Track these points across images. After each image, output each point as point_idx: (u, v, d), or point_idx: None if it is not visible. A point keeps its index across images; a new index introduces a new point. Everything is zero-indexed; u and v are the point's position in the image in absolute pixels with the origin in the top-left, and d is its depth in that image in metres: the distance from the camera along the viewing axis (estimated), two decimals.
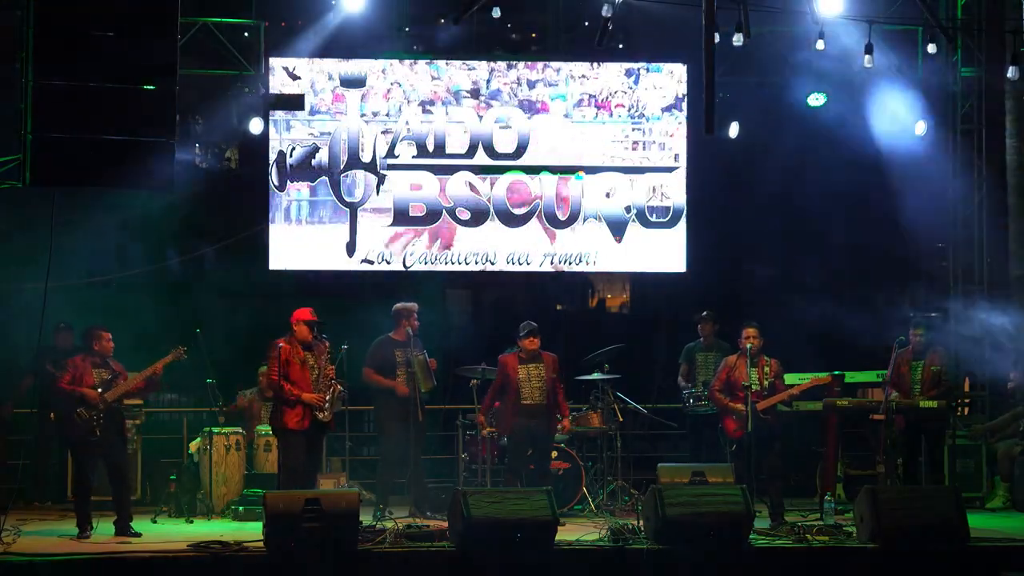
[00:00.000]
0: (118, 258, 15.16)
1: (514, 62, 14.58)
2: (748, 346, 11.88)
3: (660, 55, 14.72)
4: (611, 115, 14.55)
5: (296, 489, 10.64)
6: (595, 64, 14.58)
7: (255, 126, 14.06)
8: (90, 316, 12.38)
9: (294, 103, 14.02)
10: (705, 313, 13.59)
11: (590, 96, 14.59)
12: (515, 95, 14.49)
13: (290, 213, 14.29)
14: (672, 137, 14.64)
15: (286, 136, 14.22)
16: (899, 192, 15.00)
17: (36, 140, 10.47)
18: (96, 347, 11.28)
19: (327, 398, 11.20)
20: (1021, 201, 15.22)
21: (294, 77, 14.10)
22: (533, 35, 14.85)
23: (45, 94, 10.47)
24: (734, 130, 14.71)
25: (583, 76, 14.61)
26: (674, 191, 14.65)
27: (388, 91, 14.35)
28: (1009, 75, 14.20)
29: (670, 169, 14.64)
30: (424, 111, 14.40)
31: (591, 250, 14.61)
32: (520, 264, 14.62)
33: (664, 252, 14.67)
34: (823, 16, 13.53)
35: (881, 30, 14.25)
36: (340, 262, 14.37)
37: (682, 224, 14.65)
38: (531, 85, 14.52)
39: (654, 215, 14.64)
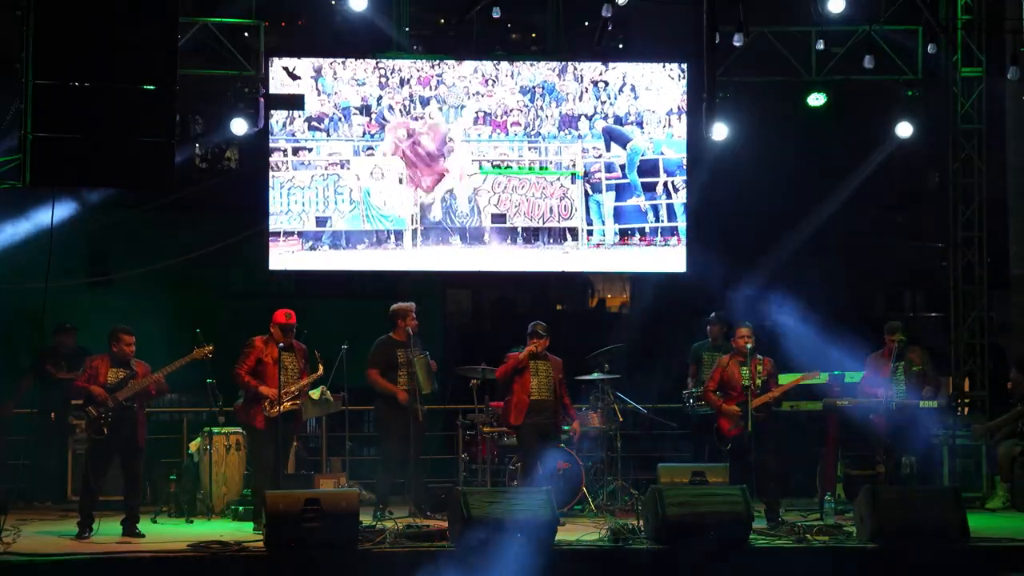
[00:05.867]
0: (117, 258, 15.17)
1: (421, 69, 14.26)
2: (748, 346, 11.89)
3: (660, 55, 14.69)
4: (507, 133, 14.25)
5: (264, 486, 10.85)
6: (489, 82, 14.30)
7: (253, 126, 14.06)
8: (89, 316, 12.39)
9: (294, 103, 14.00)
10: (714, 315, 13.55)
11: (486, 114, 14.33)
12: (407, 112, 14.16)
13: (290, 213, 14.23)
14: (672, 137, 14.59)
15: (286, 136, 14.18)
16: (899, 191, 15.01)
17: (36, 140, 10.47)
18: (115, 349, 11.26)
19: (284, 402, 11.39)
20: (1021, 201, 15.23)
21: (294, 77, 14.07)
22: (533, 35, 14.84)
23: (45, 94, 10.46)
24: (722, 131, 14.63)
25: (477, 92, 14.27)
26: (674, 191, 14.62)
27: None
28: (1009, 75, 14.21)
29: (670, 173, 14.60)
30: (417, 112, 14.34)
31: (591, 250, 14.57)
32: (520, 264, 14.59)
33: (664, 252, 14.64)
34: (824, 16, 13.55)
35: (881, 30, 14.28)
36: (340, 262, 14.34)
37: (682, 224, 14.62)
38: (424, 102, 14.18)
39: (654, 215, 14.60)
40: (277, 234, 13.93)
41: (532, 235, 14.32)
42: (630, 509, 12.15)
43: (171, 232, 15.74)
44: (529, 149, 14.28)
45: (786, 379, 12.28)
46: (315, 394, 12.42)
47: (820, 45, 14.45)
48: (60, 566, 10.04)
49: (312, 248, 14.01)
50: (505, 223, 14.30)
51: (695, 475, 11.58)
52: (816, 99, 14.65)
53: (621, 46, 14.99)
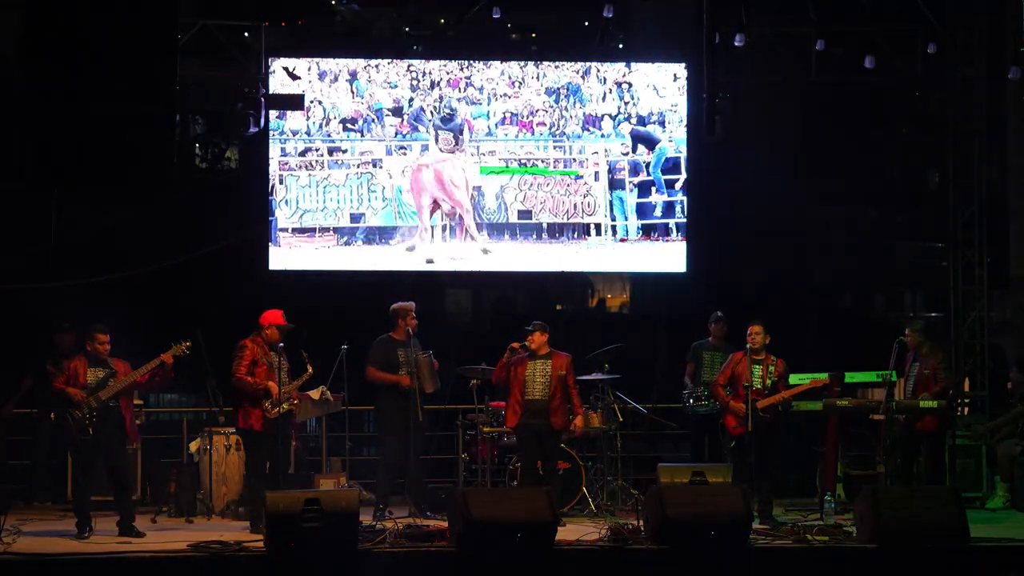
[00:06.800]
0: (118, 258, 15.16)
1: (451, 71, 14.40)
2: (749, 345, 11.92)
3: (660, 55, 14.71)
4: (532, 133, 14.51)
5: (262, 490, 10.77)
6: (515, 84, 14.52)
7: (255, 126, 14.09)
8: (90, 316, 12.38)
9: (294, 103, 14.03)
10: (719, 314, 13.55)
11: (512, 114, 14.54)
12: (437, 113, 14.41)
13: (326, 210, 14.31)
14: (616, 144, 14.63)
15: (322, 136, 14.24)
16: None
17: (35, 140, 10.47)
18: (89, 348, 11.26)
19: (285, 404, 11.37)
20: (1021, 201, 15.24)
21: (294, 77, 14.09)
22: (533, 35, 14.85)
23: (44, 94, 10.46)
24: (721, 131, 14.63)
25: (504, 94, 14.49)
26: (674, 191, 14.63)
27: (324, 99, 14.27)
28: (1009, 75, 14.20)
29: (670, 173, 14.62)
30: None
31: (591, 250, 14.59)
32: (520, 264, 14.61)
33: (664, 252, 14.65)
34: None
35: (882, 30, 14.28)
36: (340, 262, 14.37)
37: (682, 224, 14.64)
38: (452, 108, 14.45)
39: (654, 215, 14.62)
40: (312, 230, 14.26)
41: (557, 231, 14.54)
42: (630, 509, 12.15)
43: (170, 232, 15.71)
44: (554, 148, 14.47)
45: (795, 379, 12.28)
46: (315, 394, 12.43)
47: (820, 45, 14.45)
48: (60, 566, 10.05)
49: (347, 243, 14.31)
50: (531, 219, 14.51)
51: (695, 475, 11.57)
52: None
53: (621, 46, 14.99)
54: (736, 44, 13.55)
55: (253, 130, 14.19)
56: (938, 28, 14.38)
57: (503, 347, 12.32)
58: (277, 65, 14.11)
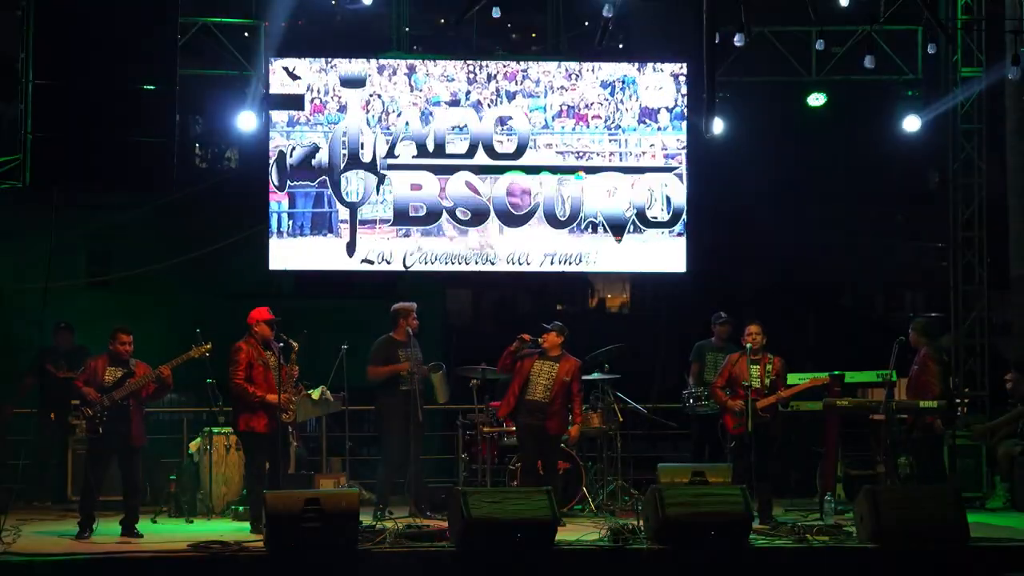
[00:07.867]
0: (118, 258, 15.17)
1: (508, 65, 14.47)
2: (748, 345, 11.93)
3: (660, 55, 14.71)
4: (588, 126, 14.53)
5: (263, 490, 10.77)
6: (572, 76, 14.53)
7: (254, 125, 14.10)
8: (90, 316, 12.40)
9: (294, 103, 14.03)
10: (723, 315, 13.55)
11: (568, 107, 14.57)
12: (493, 105, 14.47)
13: (290, 213, 14.27)
14: (672, 138, 14.61)
15: (286, 136, 14.21)
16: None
17: (36, 140, 10.48)
18: (111, 348, 11.28)
19: (293, 399, 11.34)
20: (1021, 202, 15.23)
21: (294, 77, 14.09)
22: (533, 35, 14.85)
23: (45, 94, 10.47)
24: (720, 128, 14.65)
25: (561, 87, 14.55)
26: (674, 191, 14.63)
27: (383, 93, 14.33)
28: (1009, 75, 14.20)
29: (670, 169, 14.63)
30: (423, 112, 14.39)
31: (591, 250, 14.59)
32: (520, 264, 14.61)
33: (664, 252, 14.65)
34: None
35: (881, 30, 14.28)
36: (340, 262, 14.36)
37: (682, 224, 14.65)
38: (510, 96, 14.50)
39: (654, 215, 14.62)
40: (372, 222, 14.29)
41: (612, 224, 14.52)
42: (630, 509, 12.15)
43: (171, 232, 15.73)
44: (609, 141, 14.49)
45: (795, 379, 12.28)
46: (315, 394, 12.43)
47: (820, 45, 14.45)
48: (60, 566, 10.05)
49: (406, 235, 14.32)
50: (583, 210, 14.49)
51: (695, 475, 11.56)
52: (816, 99, 14.67)
53: (621, 46, 14.99)
54: (736, 44, 13.55)
55: (253, 130, 14.17)
56: (938, 28, 14.37)
57: (503, 347, 12.34)
58: (277, 65, 14.13)
